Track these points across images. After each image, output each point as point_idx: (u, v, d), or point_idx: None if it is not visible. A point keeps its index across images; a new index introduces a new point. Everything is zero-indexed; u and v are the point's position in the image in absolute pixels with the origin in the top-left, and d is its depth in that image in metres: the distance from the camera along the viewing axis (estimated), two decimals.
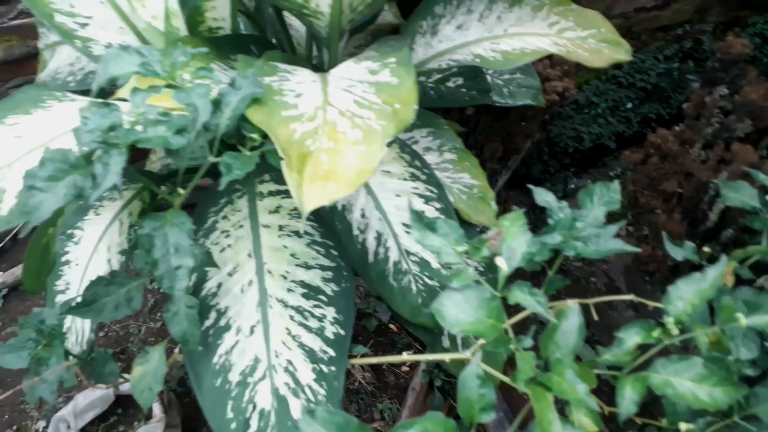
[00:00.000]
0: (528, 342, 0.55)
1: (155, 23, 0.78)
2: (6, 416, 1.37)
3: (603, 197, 0.66)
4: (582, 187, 2.17)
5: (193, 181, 0.60)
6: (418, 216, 0.54)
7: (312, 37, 0.94)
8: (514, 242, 0.57)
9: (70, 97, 0.72)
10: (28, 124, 0.64)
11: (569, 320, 0.56)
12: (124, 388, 1.24)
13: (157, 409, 1.21)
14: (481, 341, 0.56)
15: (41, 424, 1.36)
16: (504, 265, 0.55)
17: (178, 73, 0.52)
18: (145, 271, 0.67)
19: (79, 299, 0.70)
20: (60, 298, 1.03)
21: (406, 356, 0.64)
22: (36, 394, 0.86)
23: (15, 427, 1.35)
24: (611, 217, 0.65)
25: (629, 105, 2.16)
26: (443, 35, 0.98)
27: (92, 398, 1.24)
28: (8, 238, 1.62)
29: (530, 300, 0.54)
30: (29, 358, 0.82)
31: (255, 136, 0.56)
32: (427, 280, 0.84)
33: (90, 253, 0.98)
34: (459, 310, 0.50)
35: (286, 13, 1.02)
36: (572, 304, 0.57)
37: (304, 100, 0.62)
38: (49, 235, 0.92)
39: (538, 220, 1.66)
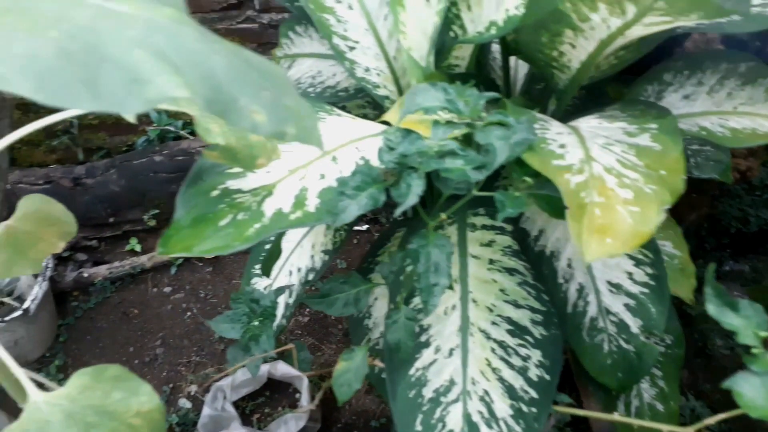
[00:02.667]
0: None
1: (413, 54, 0.85)
2: (164, 373, 1.51)
3: None
4: (738, 271, 2.04)
5: (452, 208, 0.65)
6: (718, 291, 0.55)
7: (547, 87, 0.97)
8: None
9: (336, 111, 0.80)
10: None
11: None
12: (277, 373, 1.33)
13: (305, 400, 1.28)
14: None
15: (193, 387, 1.49)
16: None
17: (481, 114, 0.57)
18: (389, 280, 0.73)
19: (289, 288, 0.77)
20: (255, 280, 1.13)
21: (618, 417, 0.65)
22: (236, 362, 0.95)
23: (171, 385, 1.48)
24: None
25: None
26: (668, 102, 0.98)
27: (249, 377, 1.34)
28: None
29: None
30: (242, 331, 0.92)
31: (528, 179, 0.60)
32: (622, 342, 0.84)
33: (293, 246, 1.07)
34: (757, 394, 0.50)
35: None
36: None
37: (568, 151, 0.65)
38: None
39: None
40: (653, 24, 0.70)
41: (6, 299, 1.43)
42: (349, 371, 0.81)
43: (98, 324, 1.60)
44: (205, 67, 0.28)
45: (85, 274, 1.62)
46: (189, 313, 1.64)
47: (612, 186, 0.60)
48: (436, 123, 0.58)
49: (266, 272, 0.86)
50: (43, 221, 0.72)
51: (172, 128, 1.75)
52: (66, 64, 0.26)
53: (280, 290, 0.92)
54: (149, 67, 0.27)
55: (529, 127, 0.63)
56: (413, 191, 0.55)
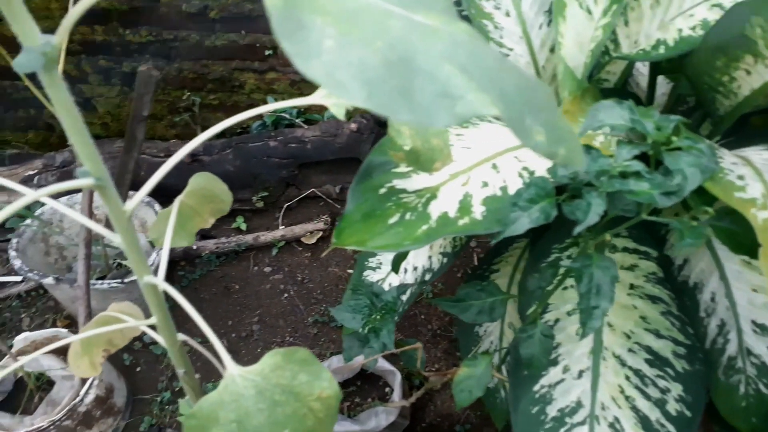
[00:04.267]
0: None
1: (570, 63, 0.83)
2: (259, 350, 1.57)
3: None
4: None
5: (616, 228, 0.64)
6: None
7: (701, 112, 0.93)
8: None
9: (488, 118, 0.80)
10: (470, 138, 0.73)
11: None
12: (372, 366, 1.35)
13: (396, 396, 1.30)
14: None
15: None
16: None
17: (673, 138, 0.56)
18: (537, 294, 0.72)
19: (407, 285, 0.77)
20: (368, 273, 1.15)
21: None
22: (353, 355, 0.97)
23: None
24: None
25: None
26: None
27: (343, 364, 1.37)
28: (296, 199, 1.85)
29: None
30: (362, 323, 0.93)
31: (710, 210, 0.58)
32: (761, 386, 0.79)
33: None
34: None
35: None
36: None
37: (748, 183, 0.62)
38: None
39: None
40: None
41: (125, 262, 1.53)
42: (472, 378, 0.81)
43: (201, 295, 1.68)
44: (500, 85, 0.29)
45: (194, 247, 1.71)
46: (286, 295, 1.69)
47: None
48: (620, 142, 0.57)
49: (395, 269, 0.87)
50: (204, 198, 0.76)
51: (287, 115, 1.81)
52: (389, 74, 0.27)
53: (402, 287, 0.93)
54: (458, 82, 0.27)
55: (712, 155, 0.60)
56: (593, 210, 0.54)
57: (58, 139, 1.93)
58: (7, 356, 1.22)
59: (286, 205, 1.86)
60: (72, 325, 1.57)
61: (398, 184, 0.64)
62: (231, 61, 1.76)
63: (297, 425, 0.45)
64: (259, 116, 1.87)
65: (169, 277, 1.68)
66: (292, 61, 0.26)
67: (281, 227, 1.82)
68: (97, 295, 1.41)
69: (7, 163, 1.75)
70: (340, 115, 0.49)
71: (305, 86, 1.82)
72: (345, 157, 1.79)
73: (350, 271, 1.77)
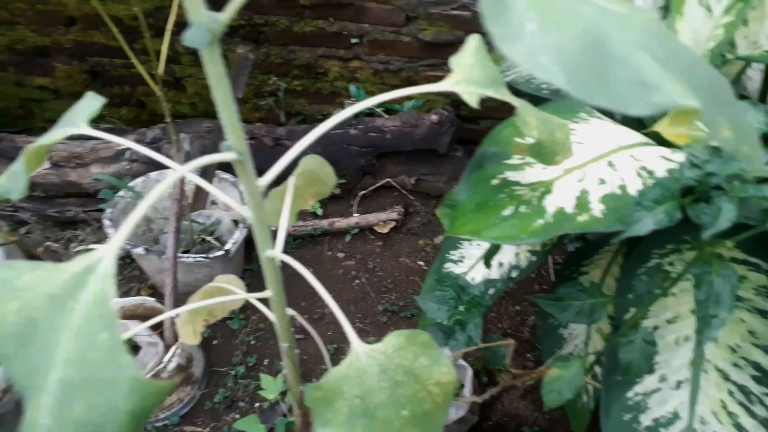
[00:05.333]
0: None
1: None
2: (330, 333, 1.60)
3: None
4: None
5: (739, 237, 0.61)
6: None
7: None
8: None
9: (596, 114, 0.78)
10: (581, 133, 0.71)
11: None
12: None
13: (467, 391, 1.29)
14: None
15: None
16: None
17: None
18: (645, 299, 0.70)
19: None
20: (449, 266, 1.15)
21: None
22: (438, 344, 0.97)
23: (335, 345, 1.57)
24: None
25: None
26: None
27: None
28: (372, 187, 1.87)
29: None
30: (448, 315, 0.93)
31: None
32: None
33: None
34: None
35: None
36: None
37: None
38: None
39: None
40: None
41: (209, 238, 1.59)
42: (562, 379, 0.80)
43: None
44: (693, 78, 0.28)
45: (272, 228, 1.75)
46: (357, 281, 1.71)
47: None
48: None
49: (487, 263, 0.87)
50: (311, 180, 0.78)
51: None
52: (585, 58, 0.26)
53: (490, 283, 0.92)
54: (653, 71, 0.27)
55: None
56: (724, 215, 0.52)
57: (148, 116, 2.02)
58: None
59: (361, 193, 1.88)
60: (155, 295, 1.65)
61: (510, 176, 0.63)
62: (317, 48, 1.79)
63: (416, 407, 0.46)
64: (340, 104, 1.89)
65: (247, 256, 1.74)
66: (494, 42, 0.26)
67: (355, 214, 1.84)
68: (182, 268, 1.47)
69: None
70: (474, 103, 0.49)
71: (387, 76, 1.83)
72: (423, 148, 1.79)
73: (421, 262, 1.78)
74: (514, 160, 0.65)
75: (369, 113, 1.85)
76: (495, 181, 0.63)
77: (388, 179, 1.86)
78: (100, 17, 1.80)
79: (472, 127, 1.91)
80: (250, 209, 0.55)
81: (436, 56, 1.75)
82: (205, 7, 0.40)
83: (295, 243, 1.78)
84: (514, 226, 0.57)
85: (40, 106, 2.05)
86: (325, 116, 1.94)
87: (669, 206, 0.56)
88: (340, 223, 1.78)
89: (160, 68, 1.24)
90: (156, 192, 0.38)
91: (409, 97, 1.86)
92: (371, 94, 1.86)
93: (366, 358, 0.47)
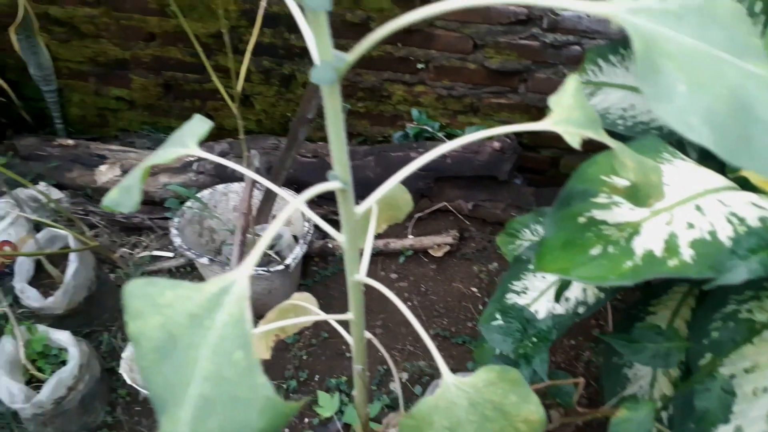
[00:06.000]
0: None
1: None
2: (379, 353, 1.60)
3: None
4: None
5: None
6: None
7: None
8: None
9: (679, 155, 0.77)
10: (667, 174, 0.71)
11: None
12: None
13: None
14: None
15: (404, 375, 1.57)
16: None
17: None
18: (727, 347, 0.69)
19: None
20: (511, 296, 1.14)
21: None
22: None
23: (384, 366, 1.57)
24: None
25: None
26: None
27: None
28: (428, 210, 1.88)
29: None
30: (513, 347, 0.93)
31: None
32: None
33: None
34: None
35: None
36: None
37: None
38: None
39: None
40: None
41: (270, 252, 1.63)
42: (630, 422, 0.79)
43: (330, 291, 1.74)
44: None
45: (330, 245, 1.78)
46: (409, 303, 1.72)
47: None
48: None
49: (557, 298, 0.86)
50: (389, 205, 0.80)
51: (429, 128, 1.84)
52: (731, 120, 0.27)
53: (559, 318, 0.92)
54: None
55: None
56: None
57: (216, 130, 2.09)
58: None
59: (417, 216, 1.89)
60: None
61: (598, 215, 0.64)
62: (383, 71, 1.83)
63: None
64: (401, 126, 1.92)
65: (304, 272, 1.77)
66: (648, 101, 0.27)
67: (410, 236, 1.85)
68: None
69: None
70: (576, 144, 0.49)
71: (450, 101, 1.85)
72: (483, 174, 1.79)
73: (474, 289, 1.77)
74: (601, 198, 0.65)
75: (429, 137, 1.87)
76: (582, 219, 0.63)
77: (444, 203, 1.87)
78: (178, 34, 1.89)
79: (533, 156, 1.90)
80: (344, 234, 0.57)
81: (501, 84, 1.76)
82: (333, 46, 0.42)
83: None
84: (603, 266, 0.57)
85: (114, 115, 2.16)
86: (386, 138, 1.97)
87: (764, 256, 0.55)
88: (395, 244, 1.80)
89: (239, 86, 1.30)
90: (282, 218, 0.40)
91: (470, 123, 1.87)
92: (433, 118, 1.88)
93: (455, 390, 0.47)
